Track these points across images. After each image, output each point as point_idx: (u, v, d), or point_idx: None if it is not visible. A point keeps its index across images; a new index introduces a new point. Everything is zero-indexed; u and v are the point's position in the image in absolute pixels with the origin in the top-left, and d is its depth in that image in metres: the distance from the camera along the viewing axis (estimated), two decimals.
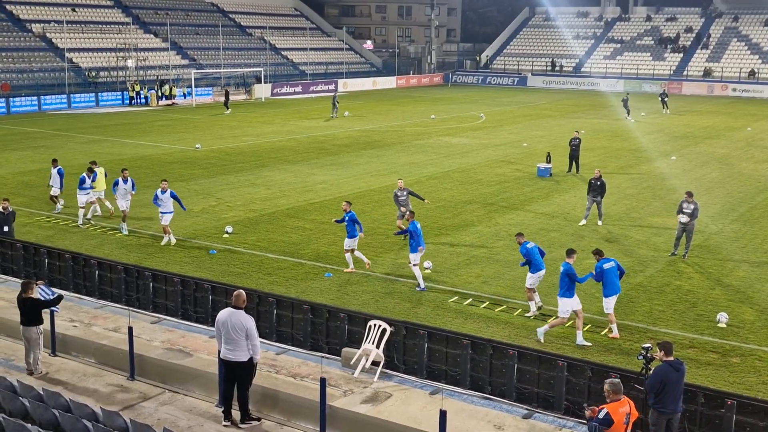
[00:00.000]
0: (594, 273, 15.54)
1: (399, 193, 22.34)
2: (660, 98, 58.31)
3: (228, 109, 55.91)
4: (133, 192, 23.34)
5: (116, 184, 22.85)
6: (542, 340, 15.13)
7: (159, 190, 21.30)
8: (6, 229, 19.34)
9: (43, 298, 12.85)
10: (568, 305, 15.05)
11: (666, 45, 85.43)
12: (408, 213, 19.23)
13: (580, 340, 15.06)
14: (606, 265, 15.43)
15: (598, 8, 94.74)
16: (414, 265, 17.91)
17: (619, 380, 9.42)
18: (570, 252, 15.56)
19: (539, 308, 16.71)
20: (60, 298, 13.07)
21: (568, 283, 14.97)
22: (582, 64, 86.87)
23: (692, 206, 20.56)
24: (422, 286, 17.91)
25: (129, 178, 23.03)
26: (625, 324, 16.13)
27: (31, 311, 12.54)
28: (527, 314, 16.62)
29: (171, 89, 61.84)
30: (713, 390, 11.25)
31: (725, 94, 74.20)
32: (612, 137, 44.43)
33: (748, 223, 24.93)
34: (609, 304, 15.48)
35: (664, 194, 28.94)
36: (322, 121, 50.69)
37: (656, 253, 21.35)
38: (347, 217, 18.98)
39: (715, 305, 17.27)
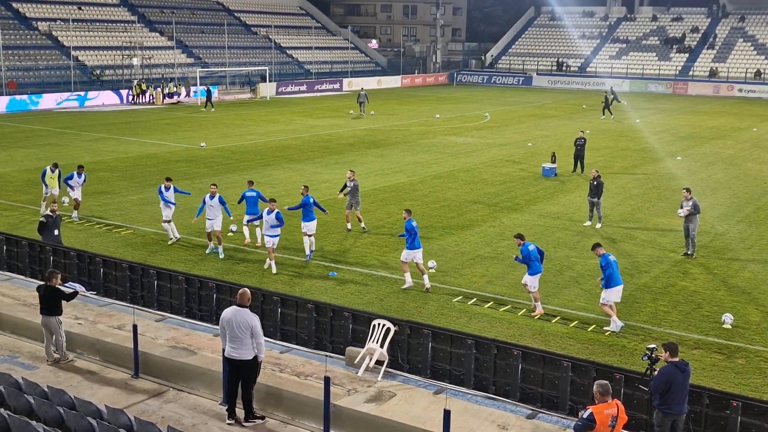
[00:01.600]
0: (521, 256, 16.74)
1: (349, 184, 22.95)
2: (606, 99, 52.65)
3: (212, 107, 56.53)
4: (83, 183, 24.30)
5: (71, 177, 23.83)
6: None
7: (207, 195, 20.20)
8: (56, 232, 19.06)
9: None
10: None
11: (672, 45, 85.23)
12: (405, 212, 18.97)
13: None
14: (530, 247, 16.70)
15: (604, 8, 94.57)
16: (403, 262, 18.06)
17: (607, 382, 9.37)
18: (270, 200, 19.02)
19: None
20: (75, 293, 13.21)
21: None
22: (587, 63, 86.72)
23: (690, 202, 20.64)
24: (409, 282, 18.05)
25: (83, 173, 24.21)
26: (629, 324, 16.10)
27: (50, 300, 12.72)
28: (532, 314, 16.59)
29: (170, 87, 61.86)
30: (718, 391, 11.22)
31: (731, 95, 74.00)
32: (617, 137, 44.35)
33: (754, 224, 24.86)
34: (533, 281, 16.61)
35: (670, 195, 28.87)
36: (330, 120, 50.70)
37: (661, 253, 21.30)
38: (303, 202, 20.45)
39: (720, 306, 17.22)
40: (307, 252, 20.20)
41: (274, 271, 18.96)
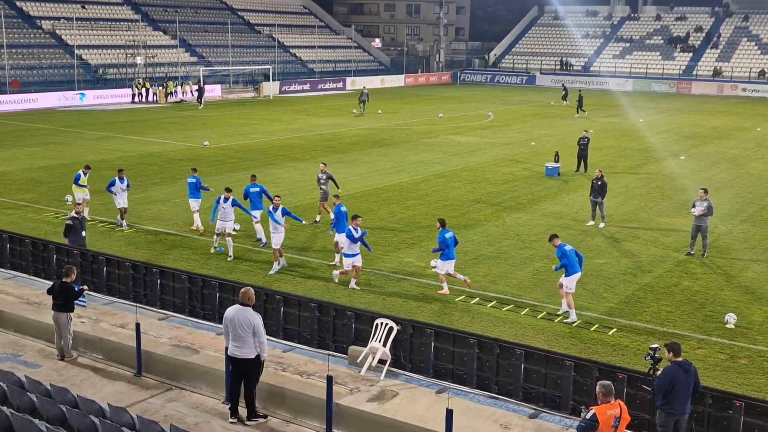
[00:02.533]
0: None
1: (320, 176, 23.70)
2: (580, 97, 54.76)
3: (201, 104, 57.50)
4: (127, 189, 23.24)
5: (113, 183, 22.66)
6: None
7: (270, 207, 19.37)
8: (83, 234, 18.82)
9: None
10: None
11: (675, 44, 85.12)
12: (438, 222, 18.20)
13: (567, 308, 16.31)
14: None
15: (608, 7, 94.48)
16: (434, 267, 18.01)
17: (610, 383, 9.37)
18: (354, 217, 17.94)
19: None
20: (82, 291, 13.31)
21: None
22: (591, 63, 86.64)
23: (705, 203, 20.56)
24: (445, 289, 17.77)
25: (125, 178, 22.89)
26: (632, 324, 16.08)
27: (63, 296, 12.86)
28: (566, 320, 16.22)
29: (170, 85, 61.93)
30: (721, 391, 11.20)
31: (735, 94, 73.89)
32: (621, 136, 44.30)
33: (758, 223, 24.81)
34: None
35: (673, 194, 28.83)
36: (334, 119, 50.69)
37: (664, 253, 21.27)
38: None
39: (723, 306, 17.19)
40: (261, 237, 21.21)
41: (284, 264, 19.20)
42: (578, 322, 16.08)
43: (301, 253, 20.56)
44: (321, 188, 23.83)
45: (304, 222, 21.77)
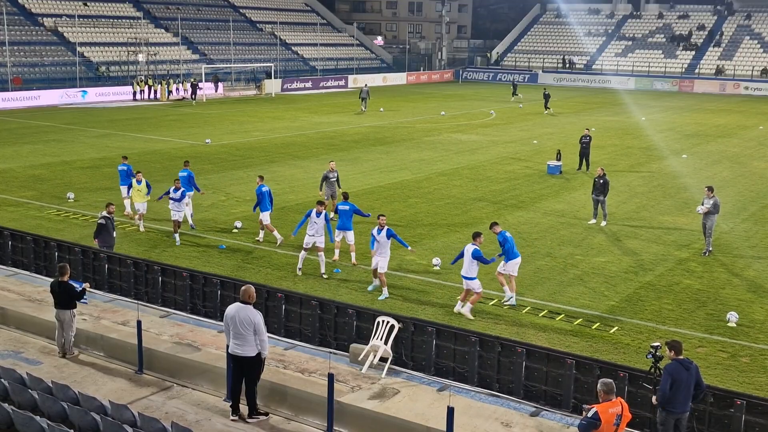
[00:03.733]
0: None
1: (330, 175, 23.61)
2: (545, 96, 56.30)
3: (193, 101, 58.78)
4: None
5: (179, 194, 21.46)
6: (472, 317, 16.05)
7: (314, 211, 18.44)
8: (114, 234, 18.54)
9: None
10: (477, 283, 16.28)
11: (678, 43, 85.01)
12: (492, 225, 17.67)
13: (464, 310, 16.23)
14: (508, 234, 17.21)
15: (610, 5, 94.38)
16: (499, 273, 17.29)
17: (611, 381, 9.38)
18: (476, 235, 16.62)
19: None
20: (83, 291, 13.29)
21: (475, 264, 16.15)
22: (593, 61, 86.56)
23: (711, 201, 20.63)
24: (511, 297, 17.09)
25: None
26: (633, 323, 16.08)
27: (64, 295, 12.88)
28: (507, 302, 16.94)
29: (170, 83, 61.97)
30: (722, 390, 11.19)
31: (737, 93, 73.79)
32: (623, 135, 44.26)
33: (760, 222, 24.79)
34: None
35: (675, 193, 28.81)
36: (335, 117, 50.67)
37: (666, 251, 21.26)
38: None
39: (725, 304, 17.18)
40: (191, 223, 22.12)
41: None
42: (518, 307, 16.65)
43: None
44: (327, 188, 23.64)
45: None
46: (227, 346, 11.21)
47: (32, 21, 65.43)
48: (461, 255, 16.50)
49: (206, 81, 63.39)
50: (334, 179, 23.80)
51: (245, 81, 71.05)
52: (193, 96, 59.50)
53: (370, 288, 17.73)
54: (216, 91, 65.76)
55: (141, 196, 22.04)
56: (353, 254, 19.37)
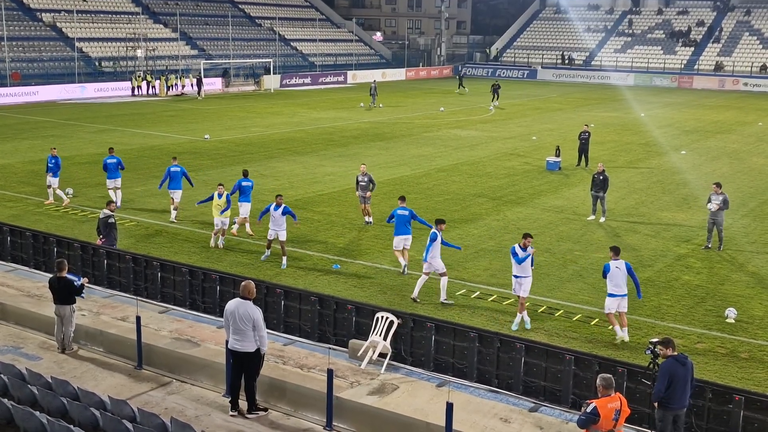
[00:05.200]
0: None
1: (360, 178, 22.84)
2: (494, 89, 58.00)
3: (200, 96, 59.44)
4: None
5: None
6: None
7: (273, 205, 18.97)
8: (115, 232, 18.47)
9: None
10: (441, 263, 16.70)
11: (677, 39, 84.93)
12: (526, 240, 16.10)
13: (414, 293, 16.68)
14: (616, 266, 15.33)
15: (609, 1, 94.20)
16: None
17: (610, 376, 9.41)
18: (439, 221, 17.01)
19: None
20: (82, 286, 13.29)
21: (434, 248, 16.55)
22: (592, 57, 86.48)
23: (720, 197, 20.65)
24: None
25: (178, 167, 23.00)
26: (632, 318, 16.08)
27: (63, 291, 12.89)
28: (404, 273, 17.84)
29: (171, 78, 61.89)
30: (721, 386, 11.22)
31: (736, 89, 73.75)
32: (622, 131, 44.25)
33: (759, 218, 24.80)
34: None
35: (674, 189, 28.81)
36: (335, 113, 50.64)
37: (665, 247, 21.26)
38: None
39: (723, 300, 17.20)
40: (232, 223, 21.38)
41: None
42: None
43: (302, 247, 20.56)
44: (359, 193, 22.71)
45: (296, 221, 19.80)
46: (227, 342, 11.22)
47: (30, 16, 65.29)
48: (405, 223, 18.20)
49: (215, 76, 64.27)
50: (364, 183, 22.57)
51: (244, 77, 70.95)
52: (200, 91, 59.85)
53: (263, 258, 19.18)
54: (227, 86, 66.48)
55: (218, 211, 20.23)
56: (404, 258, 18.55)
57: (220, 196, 20.26)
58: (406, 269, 18.41)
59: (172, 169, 22.83)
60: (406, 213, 18.64)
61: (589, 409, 9.04)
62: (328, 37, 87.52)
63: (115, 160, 24.32)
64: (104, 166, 24.36)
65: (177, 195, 22.79)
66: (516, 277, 15.51)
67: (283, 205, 18.99)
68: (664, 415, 10.26)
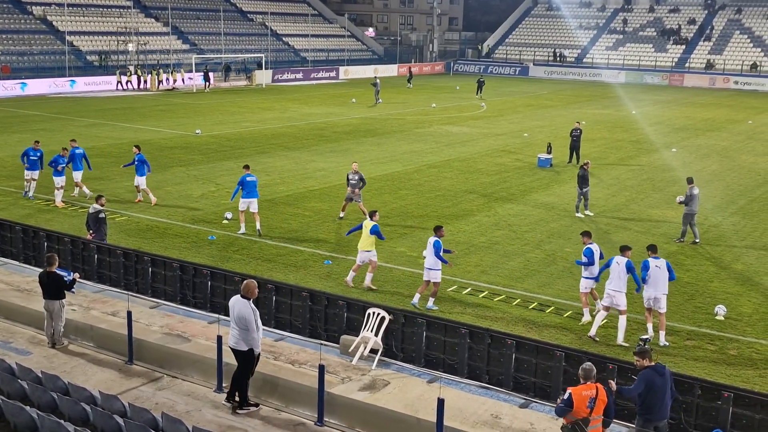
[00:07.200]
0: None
1: (351, 176, 22.66)
2: (479, 83, 60.27)
3: (206, 89, 60.69)
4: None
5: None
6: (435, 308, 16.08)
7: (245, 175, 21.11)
8: (106, 227, 18.30)
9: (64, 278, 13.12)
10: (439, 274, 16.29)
11: (668, 36, 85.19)
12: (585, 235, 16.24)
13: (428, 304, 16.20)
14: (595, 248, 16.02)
15: None
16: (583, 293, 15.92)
17: (591, 365, 9.59)
18: (438, 228, 16.62)
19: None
20: (73, 281, 13.23)
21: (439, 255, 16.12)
22: (584, 54, 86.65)
23: (693, 191, 21.22)
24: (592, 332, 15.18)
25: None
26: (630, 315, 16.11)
27: (52, 286, 12.84)
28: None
29: (160, 73, 61.64)
30: (710, 382, 11.27)
31: (727, 87, 74.05)
32: (613, 128, 44.38)
33: (748, 215, 24.93)
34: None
35: (664, 186, 28.93)
36: (326, 108, 50.58)
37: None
38: (137, 159, 23.69)
39: (713, 297, 17.29)
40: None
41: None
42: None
43: (293, 243, 20.55)
44: (349, 190, 22.51)
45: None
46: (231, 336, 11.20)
47: (21, 9, 64.89)
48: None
49: (214, 71, 65.05)
50: (355, 181, 22.41)
51: (236, 72, 70.76)
52: (207, 84, 60.89)
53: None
54: (226, 80, 66.81)
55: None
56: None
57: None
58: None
59: (77, 151, 25.01)
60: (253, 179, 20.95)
61: (565, 397, 9.28)
62: (320, 32, 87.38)
63: (38, 155, 24.96)
64: (26, 158, 24.82)
65: (78, 175, 24.72)
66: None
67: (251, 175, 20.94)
68: (645, 427, 10.13)
